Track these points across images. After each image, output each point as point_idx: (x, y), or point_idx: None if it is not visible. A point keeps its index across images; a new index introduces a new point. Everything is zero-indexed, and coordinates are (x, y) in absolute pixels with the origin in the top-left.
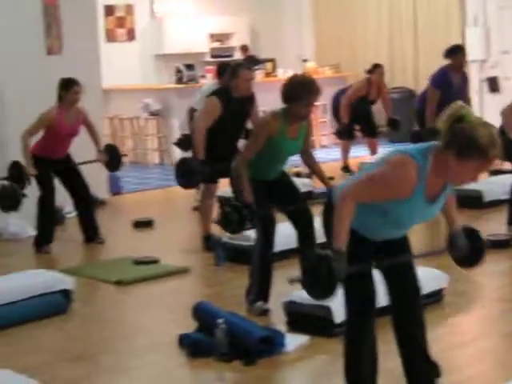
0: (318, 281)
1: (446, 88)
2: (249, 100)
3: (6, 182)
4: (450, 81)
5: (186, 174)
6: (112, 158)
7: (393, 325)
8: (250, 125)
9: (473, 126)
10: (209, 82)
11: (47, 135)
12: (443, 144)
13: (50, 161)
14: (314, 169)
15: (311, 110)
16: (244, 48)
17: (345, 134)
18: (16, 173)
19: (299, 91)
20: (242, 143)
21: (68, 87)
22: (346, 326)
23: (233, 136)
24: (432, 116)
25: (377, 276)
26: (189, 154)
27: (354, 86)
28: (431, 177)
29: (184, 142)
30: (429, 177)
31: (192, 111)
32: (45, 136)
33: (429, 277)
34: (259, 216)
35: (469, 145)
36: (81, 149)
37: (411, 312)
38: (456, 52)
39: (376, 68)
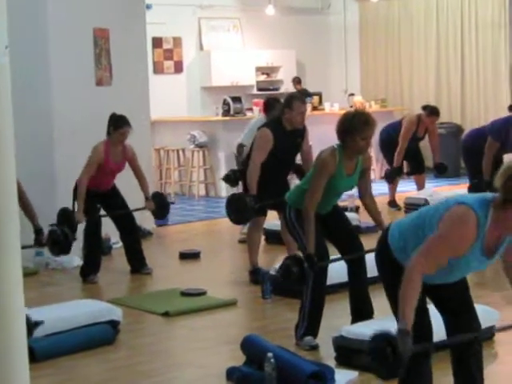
0: (384, 361)
1: (504, 140)
2: (300, 133)
3: (56, 228)
4: (509, 133)
5: (238, 211)
6: (159, 206)
7: (452, 361)
8: (299, 161)
9: None
10: (256, 117)
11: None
12: (501, 200)
13: (96, 193)
14: (373, 215)
15: (369, 143)
16: (296, 80)
17: (393, 178)
18: (65, 219)
19: (355, 124)
20: (293, 181)
21: (116, 126)
22: None
23: (283, 170)
24: (488, 167)
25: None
26: (236, 190)
27: (405, 126)
28: (490, 231)
29: (232, 178)
30: (487, 232)
31: (240, 147)
32: None
33: (480, 314)
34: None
35: None
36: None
37: (472, 348)
38: None
39: (432, 114)
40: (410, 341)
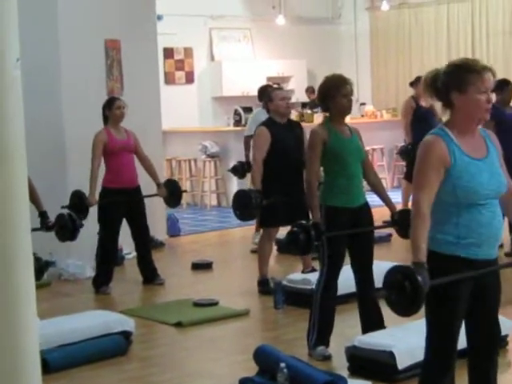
0: (403, 297)
1: (498, 122)
2: (295, 125)
3: (64, 212)
4: (503, 115)
5: (243, 206)
6: (171, 193)
7: (469, 369)
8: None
9: (443, 67)
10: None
11: (106, 159)
12: (442, 101)
13: (121, 192)
14: (380, 193)
15: (350, 101)
16: (310, 90)
17: (406, 153)
18: (77, 201)
19: (331, 86)
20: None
21: (111, 104)
22: (424, 367)
23: (287, 166)
24: None
25: None
26: (244, 182)
27: (403, 108)
28: (458, 131)
29: (239, 170)
30: (455, 133)
31: (246, 138)
32: (105, 162)
33: None
34: (328, 253)
35: (454, 74)
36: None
37: (492, 354)
38: (502, 87)
39: (419, 81)
40: (426, 273)
